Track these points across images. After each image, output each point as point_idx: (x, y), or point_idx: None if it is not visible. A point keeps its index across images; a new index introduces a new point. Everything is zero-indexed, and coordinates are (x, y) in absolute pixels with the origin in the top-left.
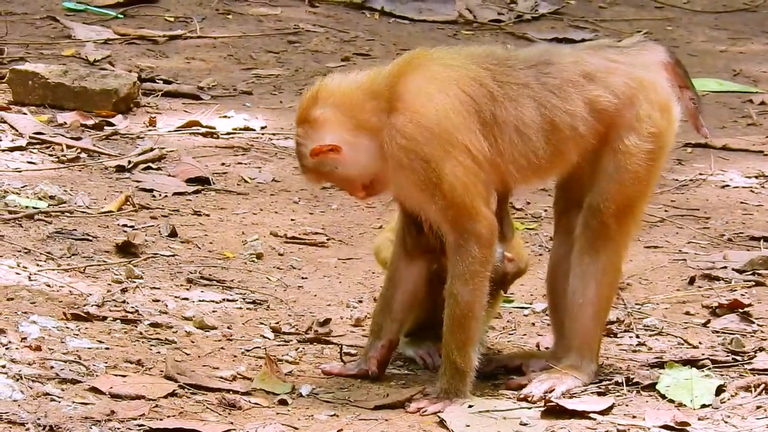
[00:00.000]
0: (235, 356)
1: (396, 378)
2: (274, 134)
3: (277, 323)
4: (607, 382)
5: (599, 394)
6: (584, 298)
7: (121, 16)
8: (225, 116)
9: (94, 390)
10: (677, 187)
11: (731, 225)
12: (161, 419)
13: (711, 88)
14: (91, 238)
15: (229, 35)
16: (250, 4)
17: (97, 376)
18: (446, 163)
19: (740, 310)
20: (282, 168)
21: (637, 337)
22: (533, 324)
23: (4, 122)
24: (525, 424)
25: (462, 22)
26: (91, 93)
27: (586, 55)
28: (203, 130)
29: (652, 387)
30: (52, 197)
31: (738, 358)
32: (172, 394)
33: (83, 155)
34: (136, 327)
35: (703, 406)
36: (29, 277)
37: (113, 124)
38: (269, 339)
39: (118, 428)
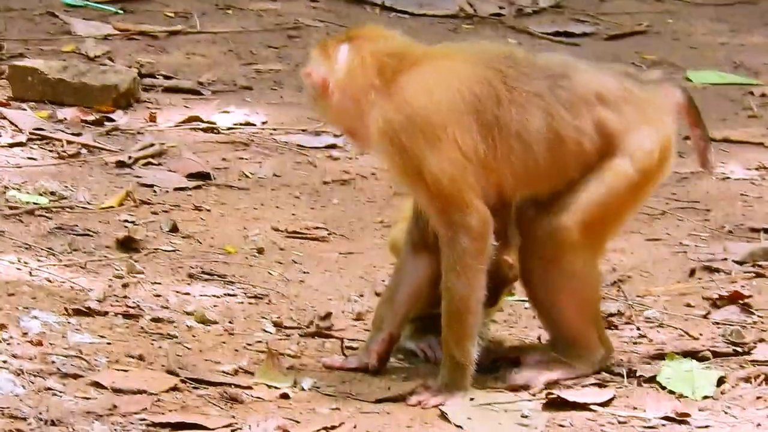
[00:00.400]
0: (236, 350)
1: (398, 371)
2: (274, 129)
3: (279, 317)
4: (608, 374)
5: (600, 385)
6: (559, 304)
7: (121, 11)
8: (225, 111)
9: (96, 384)
10: (678, 179)
11: (732, 217)
12: (163, 413)
13: (711, 80)
14: (92, 233)
15: (229, 30)
16: None
17: (98, 370)
18: (428, 154)
19: (740, 302)
20: (283, 163)
21: (638, 329)
22: (534, 317)
23: (4, 118)
24: (526, 416)
25: (462, 16)
26: (91, 89)
27: (604, 76)
28: (204, 125)
29: (652, 379)
30: (52, 193)
31: (738, 349)
32: (174, 389)
33: (83, 151)
34: (137, 322)
35: (704, 397)
36: (30, 273)
37: (113, 120)
38: (271, 333)
39: (120, 422)
